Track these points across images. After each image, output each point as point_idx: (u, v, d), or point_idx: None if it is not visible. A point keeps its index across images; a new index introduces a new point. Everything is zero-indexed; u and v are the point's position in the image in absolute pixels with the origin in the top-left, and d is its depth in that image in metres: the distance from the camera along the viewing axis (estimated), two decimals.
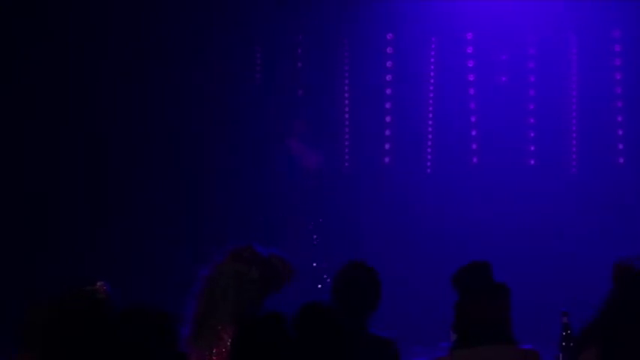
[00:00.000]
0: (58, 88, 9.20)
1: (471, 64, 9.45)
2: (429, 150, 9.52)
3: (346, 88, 9.59)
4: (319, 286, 8.60)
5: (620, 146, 9.27)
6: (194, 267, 4.89)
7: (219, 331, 4.54)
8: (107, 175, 9.30)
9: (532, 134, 9.39)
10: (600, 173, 9.16)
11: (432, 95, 9.51)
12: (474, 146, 9.45)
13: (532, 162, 9.39)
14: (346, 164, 9.64)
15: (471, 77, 9.45)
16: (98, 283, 4.36)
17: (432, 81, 9.51)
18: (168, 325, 3.99)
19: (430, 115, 9.52)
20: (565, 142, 9.38)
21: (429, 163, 9.52)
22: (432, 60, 9.50)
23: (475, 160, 9.44)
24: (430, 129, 9.52)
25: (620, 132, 9.26)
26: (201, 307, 4.69)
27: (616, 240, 8.28)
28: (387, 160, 9.56)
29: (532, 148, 9.38)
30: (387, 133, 9.56)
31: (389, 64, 9.53)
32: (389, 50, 9.53)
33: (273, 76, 9.58)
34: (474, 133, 9.45)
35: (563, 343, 4.74)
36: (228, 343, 4.43)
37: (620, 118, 9.28)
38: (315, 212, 9.30)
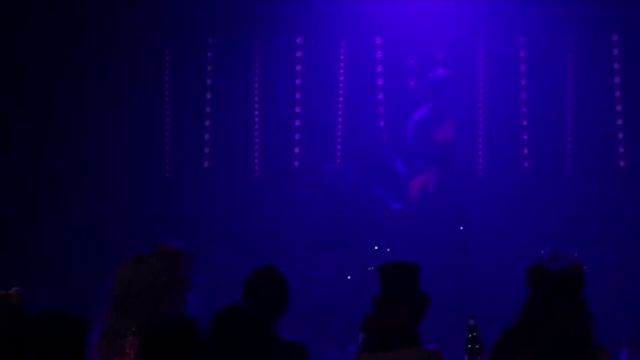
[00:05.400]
0: None
1: (379, 68, 9.52)
2: (338, 154, 9.57)
3: (256, 92, 9.59)
4: None
5: (525, 153, 9.41)
6: (105, 274, 4.87)
7: (126, 342, 4.51)
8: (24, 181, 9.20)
9: None
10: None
11: (341, 99, 9.56)
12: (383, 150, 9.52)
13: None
14: (256, 168, 9.63)
15: (380, 81, 9.53)
16: (13, 289, 4.32)
17: (341, 85, 9.56)
18: (77, 332, 3.96)
19: (340, 119, 9.57)
20: (472, 145, 9.49)
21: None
22: (342, 64, 9.55)
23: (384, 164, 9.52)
24: (339, 133, 9.57)
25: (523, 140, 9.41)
26: (108, 315, 4.66)
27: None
28: (296, 163, 9.59)
29: None
30: (297, 137, 9.59)
31: (298, 67, 9.56)
32: (298, 54, 9.56)
33: (182, 79, 9.54)
34: (383, 137, 9.52)
35: (469, 346, 4.79)
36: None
37: (525, 121, 9.43)
38: (231, 218, 9.30)
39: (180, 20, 9.38)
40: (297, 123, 9.59)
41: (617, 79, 9.31)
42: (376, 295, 4.71)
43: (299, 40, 9.56)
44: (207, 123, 9.61)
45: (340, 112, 9.57)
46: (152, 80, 9.48)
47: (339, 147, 9.57)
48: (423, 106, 9.04)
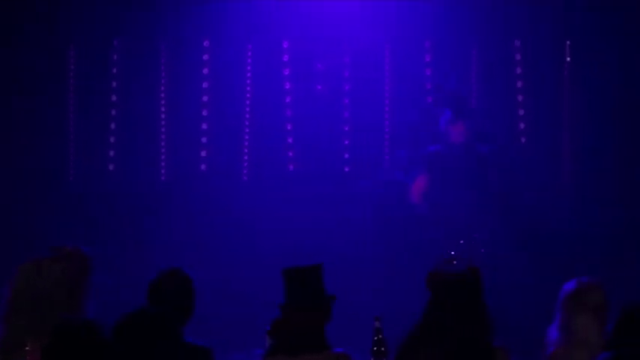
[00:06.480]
0: None
1: (287, 72, 9.54)
2: (245, 157, 9.57)
3: (162, 95, 9.53)
4: None
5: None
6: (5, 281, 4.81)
7: (26, 350, 4.44)
8: None
9: (346, 142, 9.55)
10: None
11: (248, 103, 9.56)
12: (290, 154, 9.55)
13: (347, 169, 9.55)
14: (163, 171, 9.57)
15: (287, 85, 9.55)
16: None
17: (248, 88, 9.55)
18: None
19: (247, 123, 9.57)
20: (378, 148, 9.57)
21: (245, 171, 9.57)
22: (249, 68, 9.54)
23: (291, 167, 9.55)
24: (247, 136, 9.57)
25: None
26: (5, 323, 4.59)
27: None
28: (203, 167, 9.56)
29: (346, 156, 9.54)
30: (204, 140, 9.56)
31: (205, 70, 9.53)
32: (205, 57, 9.53)
33: (87, 81, 9.43)
34: (290, 140, 9.55)
35: (375, 348, 4.83)
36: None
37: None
38: (137, 221, 9.22)
39: (84, 22, 9.27)
40: (204, 126, 9.56)
41: (519, 84, 9.48)
42: (282, 302, 4.72)
43: (206, 43, 9.53)
44: (112, 126, 9.53)
45: (247, 116, 9.56)
46: (56, 82, 9.36)
47: (246, 150, 9.57)
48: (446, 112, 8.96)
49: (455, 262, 4.52)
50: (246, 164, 9.56)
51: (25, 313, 4.60)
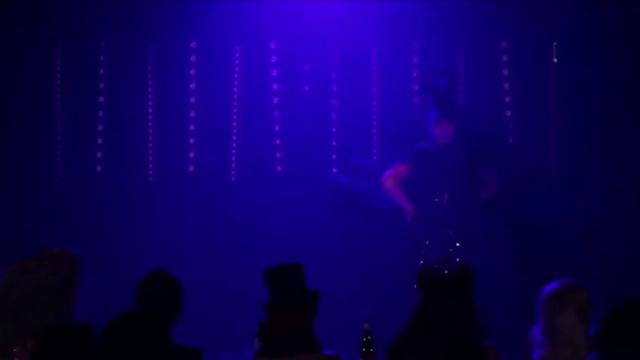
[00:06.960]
0: None
1: (274, 73, 9.54)
2: (233, 158, 9.57)
3: (150, 96, 9.52)
4: None
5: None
6: None
7: (13, 353, 4.42)
8: None
9: (334, 143, 9.56)
10: None
11: (236, 104, 9.56)
12: (278, 155, 9.55)
13: (335, 170, 9.56)
14: (150, 172, 9.57)
15: (275, 86, 9.55)
16: None
17: (236, 89, 9.56)
18: None
19: (235, 124, 9.57)
20: (366, 149, 9.58)
21: (233, 172, 9.57)
22: (236, 69, 9.55)
23: (279, 168, 9.55)
24: (235, 137, 9.57)
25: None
26: None
27: None
28: (191, 168, 9.56)
29: (334, 157, 9.55)
30: (192, 141, 9.56)
31: (193, 72, 9.53)
32: (193, 58, 9.53)
33: (74, 82, 9.42)
34: (278, 142, 9.55)
35: (364, 349, 4.84)
36: None
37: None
38: (122, 226, 9.21)
39: (70, 23, 9.26)
40: (192, 127, 9.55)
41: (506, 85, 9.50)
42: (266, 303, 4.72)
43: (193, 44, 9.52)
44: (100, 127, 9.52)
45: (235, 117, 9.56)
46: (43, 83, 9.35)
47: (234, 151, 9.57)
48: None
49: (446, 262, 4.53)
50: (234, 165, 9.56)
51: (11, 314, 4.58)
